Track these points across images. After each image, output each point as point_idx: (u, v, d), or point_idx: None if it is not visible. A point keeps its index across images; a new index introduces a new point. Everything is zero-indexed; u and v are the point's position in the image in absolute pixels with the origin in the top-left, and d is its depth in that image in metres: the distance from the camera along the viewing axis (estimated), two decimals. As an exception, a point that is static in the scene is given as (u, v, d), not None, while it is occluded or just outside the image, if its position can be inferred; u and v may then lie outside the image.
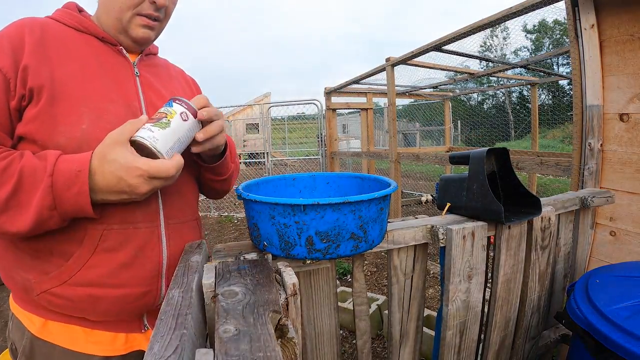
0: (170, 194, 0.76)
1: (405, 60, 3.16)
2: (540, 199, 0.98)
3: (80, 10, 0.78)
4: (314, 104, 5.94)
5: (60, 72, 0.66)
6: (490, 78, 5.38)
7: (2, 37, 0.64)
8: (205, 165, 0.81)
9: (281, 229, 0.61)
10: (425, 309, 0.99)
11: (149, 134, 0.59)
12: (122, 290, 0.70)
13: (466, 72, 4.21)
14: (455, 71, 4.06)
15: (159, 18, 0.76)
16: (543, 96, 18.03)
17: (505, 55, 18.81)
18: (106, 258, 0.68)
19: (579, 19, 1.56)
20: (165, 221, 0.74)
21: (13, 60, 0.63)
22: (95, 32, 0.74)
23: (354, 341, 2.20)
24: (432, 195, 6.45)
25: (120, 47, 0.76)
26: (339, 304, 2.08)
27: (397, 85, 4.37)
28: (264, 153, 6.64)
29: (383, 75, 3.86)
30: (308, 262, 0.69)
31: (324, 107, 5.08)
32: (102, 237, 0.67)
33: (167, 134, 0.60)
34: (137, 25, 0.74)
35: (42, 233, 0.62)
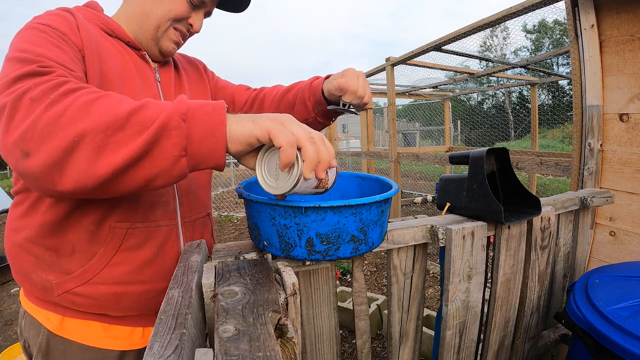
0: (186, 195, 0.80)
1: (405, 60, 3.16)
2: (540, 199, 0.98)
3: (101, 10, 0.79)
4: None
5: (105, 67, 0.67)
6: (490, 78, 5.38)
7: (64, 18, 0.64)
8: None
9: (281, 229, 0.61)
10: (425, 308, 0.99)
11: None
12: (145, 287, 0.72)
13: (466, 72, 4.21)
14: (455, 71, 4.05)
15: (186, 37, 0.81)
16: (543, 96, 18.03)
17: (505, 55, 18.79)
18: (130, 256, 0.70)
19: (579, 19, 1.56)
20: (182, 219, 0.78)
21: (80, 41, 0.64)
22: (122, 36, 0.75)
23: (354, 341, 2.20)
24: (432, 196, 6.45)
25: (144, 53, 0.78)
26: (339, 303, 2.08)
27: (397, 85, 4.37)
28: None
29: (383, 75, 3.86)
30: (308, 262, 0.70)
31: (324, 107, 5.06)
32: (127, 235, 0.69)
33: None
34: (169, 39, 0.78)
35: (66, 231, 0.65)
